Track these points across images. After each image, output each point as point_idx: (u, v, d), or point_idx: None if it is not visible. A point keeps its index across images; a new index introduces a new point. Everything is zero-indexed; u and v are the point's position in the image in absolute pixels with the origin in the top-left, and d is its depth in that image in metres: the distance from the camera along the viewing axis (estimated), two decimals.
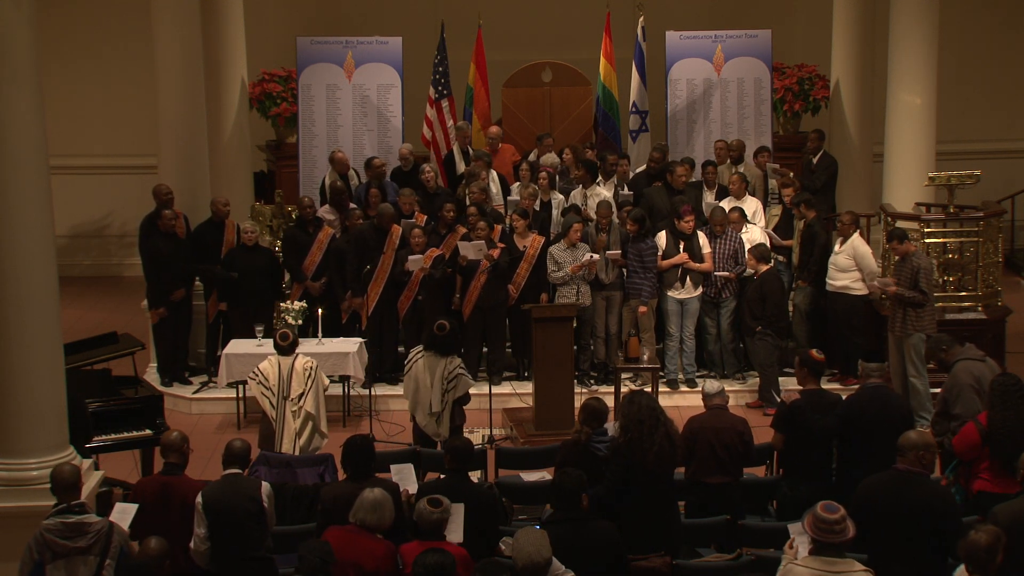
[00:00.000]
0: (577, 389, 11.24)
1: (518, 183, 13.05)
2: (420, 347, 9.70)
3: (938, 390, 9.24)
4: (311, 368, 9.58)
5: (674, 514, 7.47)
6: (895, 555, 6.62)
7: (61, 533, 6.72)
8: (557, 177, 13.17)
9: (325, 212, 12.66)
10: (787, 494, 8.11)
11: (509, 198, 12.93)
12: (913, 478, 6.78)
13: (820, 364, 8.43)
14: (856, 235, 11.74)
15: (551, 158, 13.47)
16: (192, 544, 7.15)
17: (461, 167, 13.57)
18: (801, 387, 8.44)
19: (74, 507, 6.81)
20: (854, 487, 7.06)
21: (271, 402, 9.43)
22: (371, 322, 11.97)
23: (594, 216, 12.04)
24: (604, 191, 12.76)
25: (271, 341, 11.48)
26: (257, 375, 9.58)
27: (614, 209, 12.23)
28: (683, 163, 13.04)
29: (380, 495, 6.72)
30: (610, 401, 10.04)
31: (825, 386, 11.19)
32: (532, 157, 13.62)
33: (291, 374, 9.48)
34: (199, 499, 7.18)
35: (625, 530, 7.05)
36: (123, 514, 7.10)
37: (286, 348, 9.62)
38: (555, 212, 12.68)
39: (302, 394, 9.44)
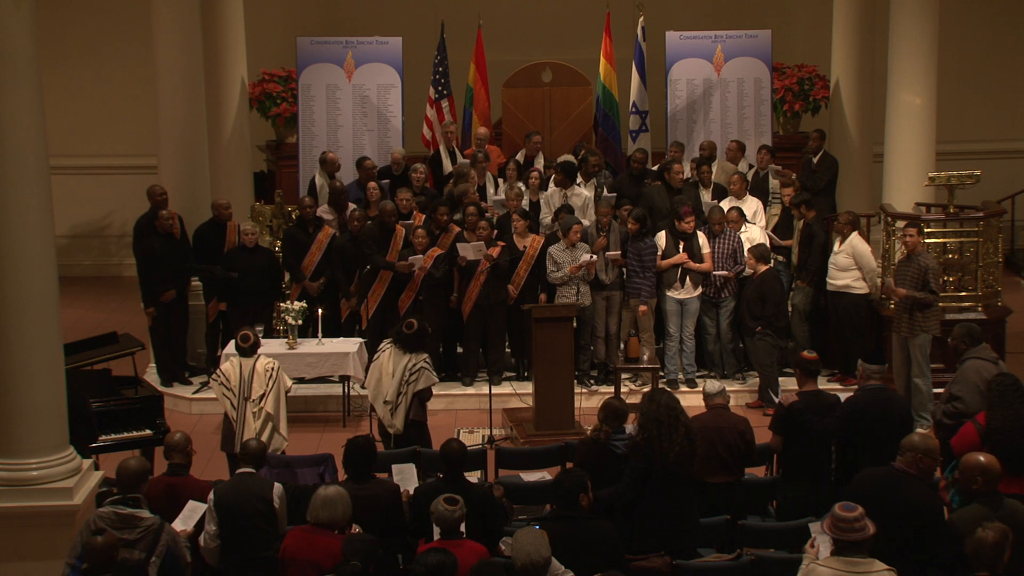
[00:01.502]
0: (577, 389, 11.24)
1: (505, 183, 13.06)
2: (389, 340, 9.72)
3: (940, 390, 9.26)
4: (272, 369, 9.55)
5: (693, 513, 7.47)
6: (879, 548, 6.61)
7: (112, 522, 6.74)
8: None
9: (324, 212, 12.66)
10: (787, 495, 8.11)
11: (494, 198, 12.93)
12: (905, 479, 6.78)
13: (813, 363, 8.43)
14: (855, 234, 11.75)
15: (564, 158, 13.42)
16: (202, 541, 7.15)
17: (448, 166, 13.58)
18: (799, 388, 8.44)
19: (130, 500, 6.84)
20: None
21: (232, 403, 9.41)
22: (372, 322, 11.96)
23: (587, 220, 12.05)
24: (585, 191, 12.74)
25: (271, 341, 11.55)
26: (219, 376, 9.56)
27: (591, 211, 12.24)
28: (681, 161, 13.02)
29: (333, 492, 6.72)
30: None
31: (826, 386, 11.26)
32: (520, 157, 13.61)
33: (252, 375, 9.46)
34: (211, 496, 7.19)
35: (642, 528, 7.07)
36: (192, 512, 7.12)
37: (247, 349, 9.57)
38: (544, 212, 12.66)
39: (263, 395, 9.42)
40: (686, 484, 7.40)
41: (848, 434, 8.07)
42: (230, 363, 9.58)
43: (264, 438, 9.33)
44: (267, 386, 9.44)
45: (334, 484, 6.86)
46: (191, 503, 7.20)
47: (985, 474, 6.70)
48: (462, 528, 6.67)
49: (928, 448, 6.88)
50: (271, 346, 11.28)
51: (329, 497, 6.68)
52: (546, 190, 12.83)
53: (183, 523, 7.08)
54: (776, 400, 8.47)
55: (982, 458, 6.77)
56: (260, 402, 9.39)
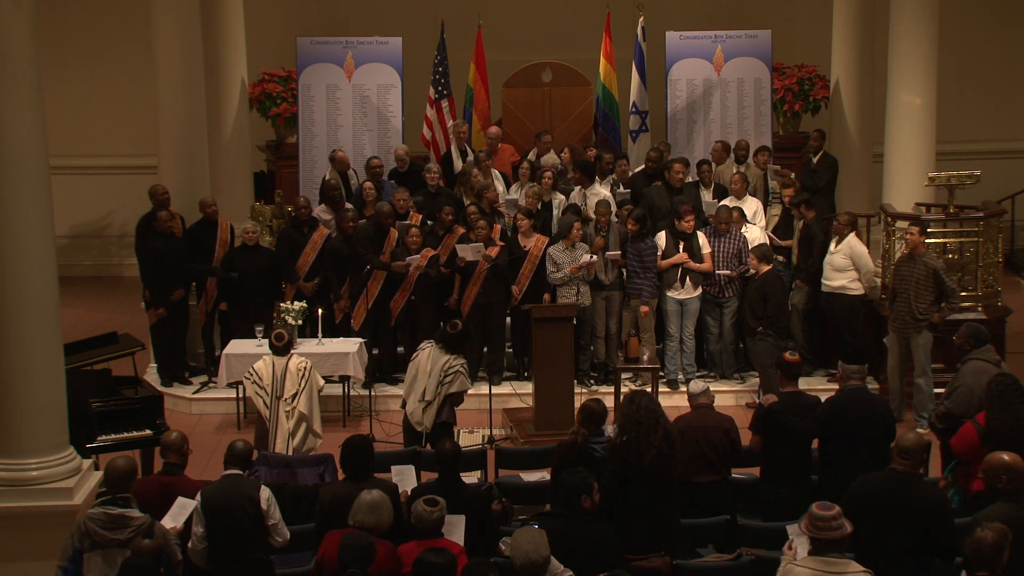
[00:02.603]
0: (577, 389, 11.24)
1: (516, 183, 13.05)
2: (430, 340, 9.82)
3: (940, 390, 9.26)
4: (305, 368, 9.57)
5: (674, 515, 7.43)
6: (882, 554, 6.62)
7: (103, 523, 6.74)
8: (557, 178, 13.17)
9: (321, 212, 12.64)
10: (768, 496, 8.12)
11: (507, 198, 12.93)
12: (909, 480, 6.80)
13: (795, 365, 8.44)
14: (852, 235, 11.74)
15: (551, 158, 13.46)
16: (190, 543, 7.15)
17: (459, 166, 13.58)
18: (780, 389, 8.45)
19: (119, 500, 6.84)
20: (836, 488, 7.08)
21: (264, 402, 9.43)
22: (368, 322, 11.95)
23: (594, 216, 12.05)
24: (603, 190, 12.76)
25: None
26: (252, 375, 9.59)
27: (613, 208, 12.23)
28: (679, 160, 13.03)
29: (378, 496, 6.69)
30: (610, 402, 10.04)
31: (826, 387, 11.27)
32: (532, 156, 13.62)
33: (285, 374, 9.48)
34: (198, 498, 7.18)
35: (623, 530, 7.04)
36: (182, 509, 7.13)
37: (281, 348, 9.63)
38: (556, 212, 12.68)
39: (296, 394, 9.44)
40: (665, 487, 7.33)
41: (828, 435, 8.07)
42: (263, 362, 9.63)
43: (298, 438, 9.40)
44: (299, 385, 9.48)
45: (376, 488, 6.83)
46: (180, 499, 7.20)
47: (1009, 472, 6.66)
48: (450, 535, 6.66)
49: (926, 446, 6.94)
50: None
51: (375, 502, 6.64)
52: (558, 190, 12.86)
53: (172, 520, 7.08)
54: (758, 400, 8.47)
55: (1006, 456, 6.72)
56: (293, 401, 9.42)
